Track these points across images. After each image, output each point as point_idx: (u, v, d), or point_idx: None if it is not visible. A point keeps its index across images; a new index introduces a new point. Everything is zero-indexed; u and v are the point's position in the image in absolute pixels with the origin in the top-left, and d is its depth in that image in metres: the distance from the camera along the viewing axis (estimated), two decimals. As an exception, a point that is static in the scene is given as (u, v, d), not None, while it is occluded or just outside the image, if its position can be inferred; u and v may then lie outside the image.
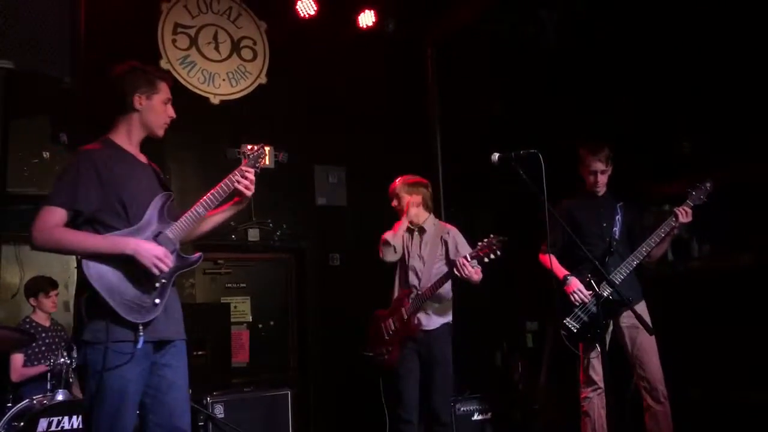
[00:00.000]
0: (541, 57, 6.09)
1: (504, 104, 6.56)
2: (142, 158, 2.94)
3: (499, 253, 4.00)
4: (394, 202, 4.46)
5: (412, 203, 4.40)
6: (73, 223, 2.67)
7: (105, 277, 2.60)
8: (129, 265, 2.64)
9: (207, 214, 2.96)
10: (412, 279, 4.36)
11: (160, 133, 2.93)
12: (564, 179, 4.37)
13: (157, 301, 2.69)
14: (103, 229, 2.68)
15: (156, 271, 2.66)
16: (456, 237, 4.39)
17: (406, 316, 4.27)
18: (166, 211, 2.83)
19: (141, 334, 2.62)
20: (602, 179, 4.19)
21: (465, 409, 5.22)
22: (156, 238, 2.74)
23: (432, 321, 4.29)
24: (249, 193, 2.97)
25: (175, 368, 2.79)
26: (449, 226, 4.48)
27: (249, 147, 3.09)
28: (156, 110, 2.87)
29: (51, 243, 2.62)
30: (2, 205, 5.15)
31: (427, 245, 4.38)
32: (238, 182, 2.94)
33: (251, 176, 2.96)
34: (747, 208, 4.69)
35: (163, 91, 2.90)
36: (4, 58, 3.93)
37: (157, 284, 2.70)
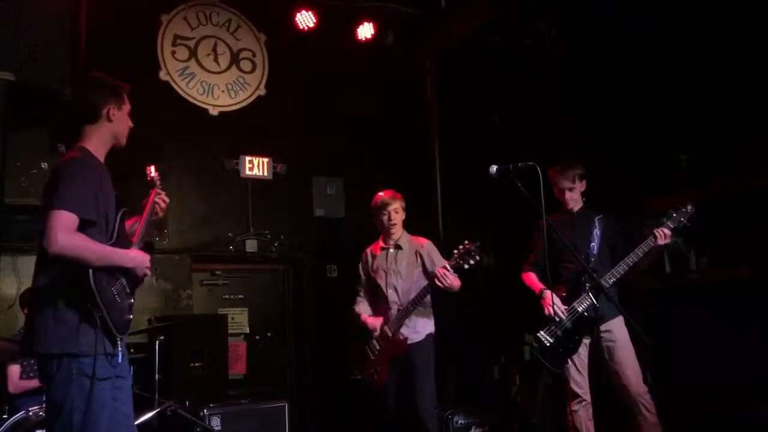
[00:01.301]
0: (539, 70, 6.12)
1: (503, 116, 6.58)
2: None
3: (478, 258, 4.05)
4: (393, 215, 4.45)
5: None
6: None
7: (105, 290, 2.60)
8: (117, 282, 2.68)
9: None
10: (392, 296, 4.38)
11: (124, 142, 2.95)
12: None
13: (131, 317, 2.77)
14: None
15: (145, 277, 2.82)
16: (430, 250, 4.46)
17: (390, 333, 4.29)
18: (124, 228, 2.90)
19: (120, 349, 2.68)
20: (570, 196, 4.23)
21: (462, 422, 5.20)
22: None
23: (416, 334, 4.32)
24: (161, 215, 3.16)
25: (129, 380, 2.83)
26: (422, 240, 4.53)
27: (149, 169, 3.15)
28: (125, 121, 2.91)
29: (72, 247, 2.51)
30: (0, 215, 5.15)
31: (404, 261, 4.42)
32: (158, 204, 3.09)
33: (166, 198, 3.14)
34: (745, 220, 4.70)
35: (127, 102, 2.94)
36: (4, 70, 3.93)
37: (132, 300, 2.79)
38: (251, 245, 6.43)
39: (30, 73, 4.11)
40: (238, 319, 6.59)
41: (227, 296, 6.61)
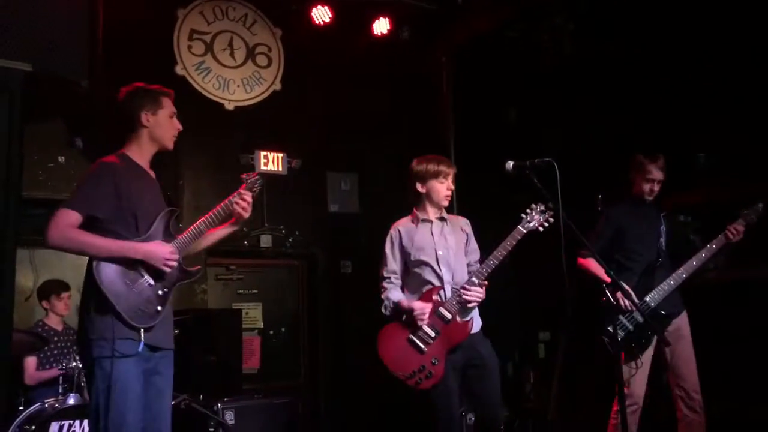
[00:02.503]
0: (556, 66, 6.07)
1: (519, 112, 6.54)
2: (152, 173, 3.11)
3: (552, 220, 3.60)
4: (451, 185, 3.83)
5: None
6: (87, 230, 2.81)
7: (114, 281, 2.76)
8: (135, 272, 2.81)
9: (207, 231, 3.13)
10: (447, 275, 3.70)
11: (170, 145, 3.10)
12: (579, 188, 4.35)
13: (159, 308, 2.85)
14: (114, 237, 2.83)
15: (167, 270, 2.85)
16: (470, 229, 3.95)
17: (450, 315, 3.58)
18: (171, 226, 3.01)
19: (142, 338, 2.77)
20: (658, 188, 4.17)
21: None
22: None
23: (476, 322, 3.75)
24: (246, 215, 3.13)
25: (165, 377, 2.93)
26: (459, 217, 4.03)
27: (247, 173, 3.24)
28: (163, 125, 3.04)
29: (64, 241, 2.76)
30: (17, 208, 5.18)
31: (453, 236, 3.81)
32: (237, 204, 3.10)
33: (249, 199, 3.13)
34: (765, 218, 4.64)
35: (167, 106, 3.07)
36: (22, 61, 3.96)
37: (160, 292, 2.87)
38: (266, 240, 6.45)
39: (47, 64, 4.13)
40: (252, 314, 6.61)
41: (241, 291, 6.64)
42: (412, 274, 3.78)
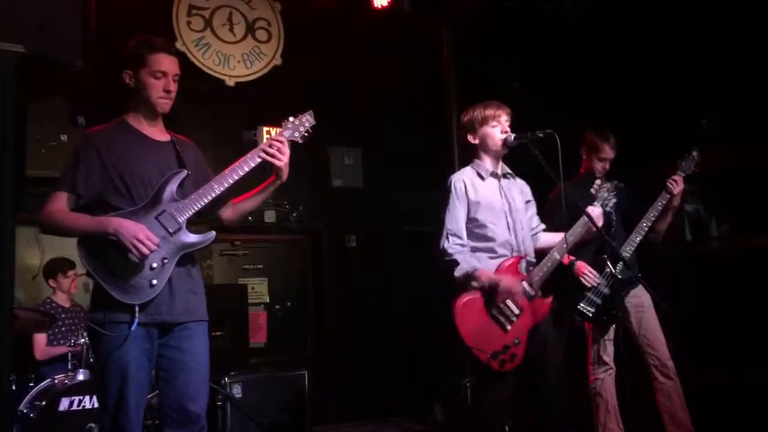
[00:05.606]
0: (558, 36, 6.01)
1: (521, 83, 6.49)
2: (161, 136, 2.86)
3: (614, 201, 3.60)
4: (500, 126, 3.43)
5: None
6: (85, 207, 2.67)
7: (98, 257, 2.57)
8: (122, 247, 2.57)
9: (241, 197, 2.95)
10: (518, 243, 3.35)
11: (160, 108, 2.78)
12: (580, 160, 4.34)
13: (155, 281, 2.59)
14: (111, 210, 2.63)
15: (136, 252, 2.51)
16: (530, 193, 3.60)
17: (533, 292, 3.25)
18: (177, 190, 2.72)
19: (136, 316, 2.56)
20: (607, 166, 4.20)
21: (481, 389, 5.21)
22: (158, 217, 2.64)
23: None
24: (278, 163, 2.83)
25: (185, 351, 2.69)
26: (518, 179, 3.63)
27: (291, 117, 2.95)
28: (146, 85, 2.73)
29: (51, 226, 2.67)
30: (21, 187, 5.20)
31: (518, 196, 3.47)
32: (264, 152, 2.81)
33: (279, 144, 2.82)
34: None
35: (153, 64, 2.72)
36: (14, 42, 3.90)
37: (154, 264, 2.59)
38: (270, 216, 6.46)
39: (40, 44, 4.07)
40: (258, 289, 6.65)
41: (247, 266, 6.67)
42: (471, 234, 3.34)
